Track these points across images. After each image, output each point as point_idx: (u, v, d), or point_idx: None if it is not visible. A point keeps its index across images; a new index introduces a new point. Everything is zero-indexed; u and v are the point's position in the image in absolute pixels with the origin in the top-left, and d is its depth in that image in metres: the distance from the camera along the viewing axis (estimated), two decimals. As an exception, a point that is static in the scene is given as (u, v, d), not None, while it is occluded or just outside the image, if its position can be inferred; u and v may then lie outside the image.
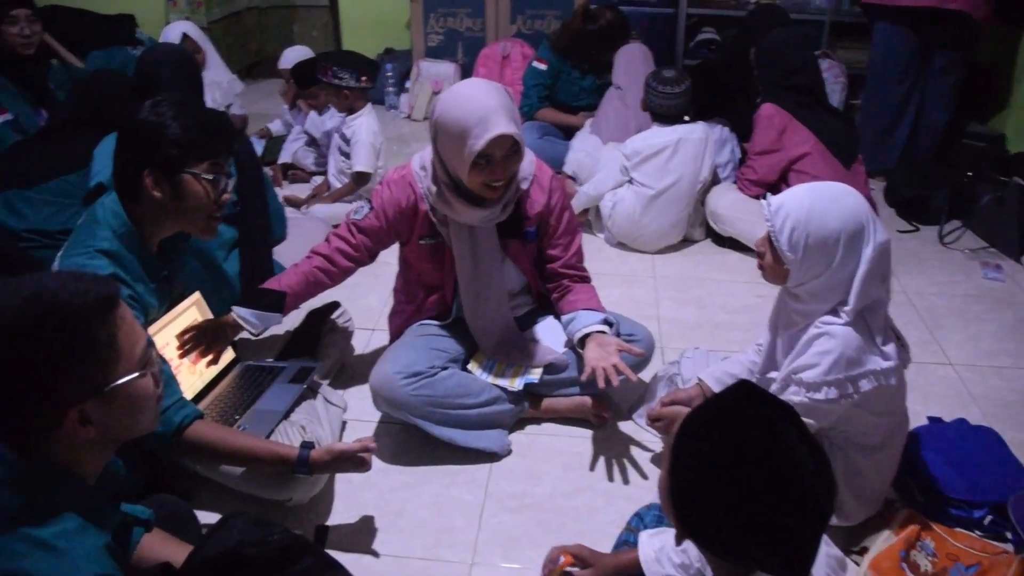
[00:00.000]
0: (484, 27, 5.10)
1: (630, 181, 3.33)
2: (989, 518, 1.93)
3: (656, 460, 2.23)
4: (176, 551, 1.52)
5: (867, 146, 3.80)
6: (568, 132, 4.10)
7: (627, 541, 1.73)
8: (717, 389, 2.13)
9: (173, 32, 4.37)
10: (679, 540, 1.20)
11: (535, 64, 4.18)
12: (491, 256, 2.21)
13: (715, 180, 3.45)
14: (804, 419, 1.72)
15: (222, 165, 1.92)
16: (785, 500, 1.06)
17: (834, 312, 1.71)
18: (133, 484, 1.95)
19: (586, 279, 2.35)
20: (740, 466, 1.07)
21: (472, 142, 1.94)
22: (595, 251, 3.37)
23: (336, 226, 3.42)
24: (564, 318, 2.30)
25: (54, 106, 3.66)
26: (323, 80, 3.62)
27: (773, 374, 1.86)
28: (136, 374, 1.20)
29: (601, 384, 2.08)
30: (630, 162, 3.29)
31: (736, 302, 3.03)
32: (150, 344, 1.82)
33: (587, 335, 2.19)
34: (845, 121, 3.37)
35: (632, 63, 3.73)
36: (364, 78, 3.59)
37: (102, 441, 1.21)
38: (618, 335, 2.25)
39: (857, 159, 3.24)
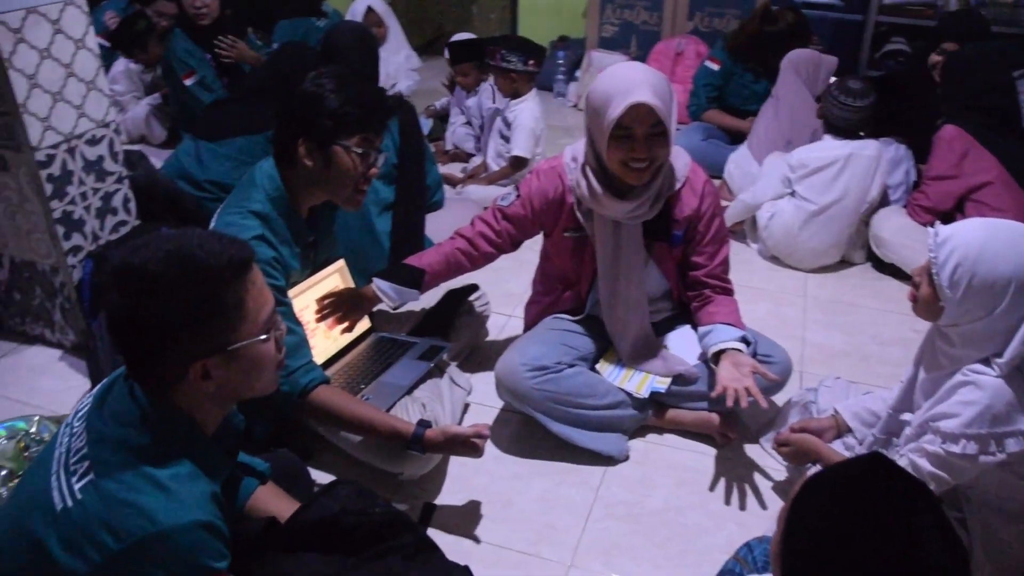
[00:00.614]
0: (660, 21, 4.99)
1: (792, 193, 3.18)
2: None
3: (777, 489, 2.12)
4: (285, 507, 1.59)
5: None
6: (735, 137, 3.97)
7: (732, 570, 1.65)
8: (853, 424, 2.01)
9: (359, 6, 4.55)
10: None
11: (707, 63, 4.06)
12: (634, 255, 2.17)
13: (884, 202, 3.23)
14: (938, 472, 1.60)
15: (373, 141, 1.97)
16: None
17: (986, 362, 1.57)
18: (258, 437, 2.06)
19: (729, 291, 2.26)
20: (865, 555, 0.98)
21: (611, 110, 1.92)
22: (745, 262, 3.25)
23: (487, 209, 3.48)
24: (700, 330, 2.22)
25: (235, 75, 3.94)
26: (491, 63, 3.66)
27: (907, 416, 1.73)
28: (259, 337, 1.25)
29: (730, 404, 2.00)
30: (794, 173, 3.14)
31: (889, 334, 2.84)
32: (284, 307, 1.90)
33: (722, 351, 2.11)
34: (1042, 150, 3.07)
35: (796, 71, 3.53)
36: (531, 62, 3.61)
37: (221, 396, 1.27)
38: (754, 355, 2.16)
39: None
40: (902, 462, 1.96)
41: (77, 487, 1.18)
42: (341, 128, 1.90)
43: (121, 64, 4.50)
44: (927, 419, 1.62)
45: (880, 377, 2.53)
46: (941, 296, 1.58)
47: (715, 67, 4.01)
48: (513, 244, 2.32)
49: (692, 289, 2.27)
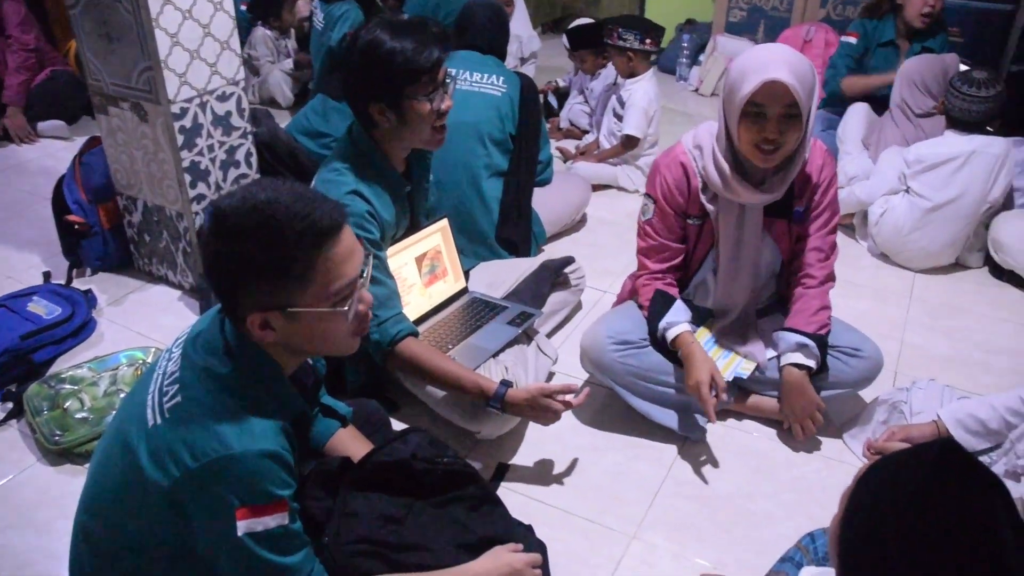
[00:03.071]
0: (791, 7, 4.85)
1: (906, 190, 3.06)
2: None
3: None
4: (362, 450, 1.67)
5: None
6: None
7: (792, 558, 1.65)
8: (956, 433, 1.93)
9: (490, -17, 4.57)
10: None
11: (845, 38, 3.84)
12: (755, 235, 2.14)
13: (1008, 204, 3.07)
14: None
15: (436, 77, 1.96)
16: None
17: None
18: (350, 385, 2.18)
19: (826, 278, 2.19)
20: (935, 551, 0.94)
21: (746, 85, 1.87)
22: (852, 259, 3.16)
23: (596, 186, 3.52)
24: (775, 334, 2.21)
25: None
26: (608, 42, 3.66)
27: None
28: (320, 309, 1.27)
29: (800, 438, 2.13)
30: (910, 169, 3.02)
31: (999, 343, 2.71)
32: (377, 260, 1.97)
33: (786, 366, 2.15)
34: None
35: (913, 84, 3.38)
36: (648, 41, 3.59)
37: (285, 347, 1.32)
38: (823, 357, 2.13)
39: None
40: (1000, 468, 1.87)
41: (167, 407, 1.28)
42: (402, 85, 1.93)
43: (259, 31, 4.75)
44: None
45: (981, 387, 2.43)
46: None
47: (853, 40, 3.81)
48: (682, 240, 2.22)
49: (794, 272, 2.22)
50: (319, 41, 4.11)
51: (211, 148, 2.69)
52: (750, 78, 1.87)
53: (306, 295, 1.25)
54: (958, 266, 3.14)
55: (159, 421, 1.28)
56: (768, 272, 2.26)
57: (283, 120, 3.82)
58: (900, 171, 3.04)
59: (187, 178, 2.65)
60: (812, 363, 2.12)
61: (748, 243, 2.14)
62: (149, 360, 2.37)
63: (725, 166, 2.02)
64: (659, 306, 2.17)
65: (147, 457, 1.26)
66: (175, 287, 2.91)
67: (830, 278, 2.20)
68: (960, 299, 2.96)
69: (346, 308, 1.29)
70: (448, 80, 2.02)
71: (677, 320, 2.14)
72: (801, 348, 2.13)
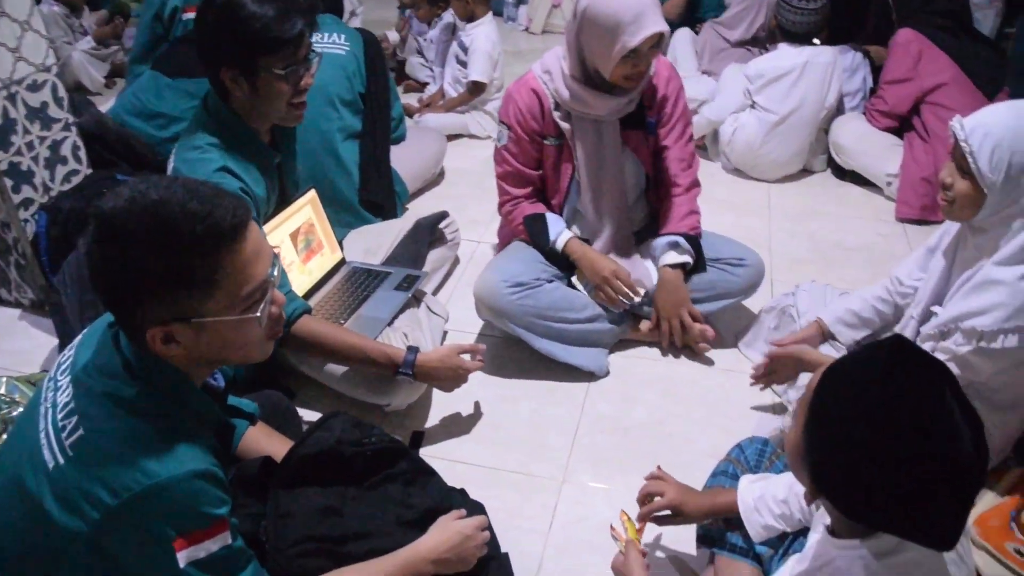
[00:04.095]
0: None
1: (752, 105, 3.18)
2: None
3: (758, 392, 2.15)
4: (277, 446, 1.56)
5: (1017, 75, 3.48)
6: None
7: (726, 471, 1.68)
8: (836, 329, 2.01)
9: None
10: (810, 500, 1.11)
11: None
12: (614, 148, 2.20)
13: (840, 109, 3.25)
14: (960, 373, 1.63)
15: (296, 54, 1.82)
16: (943, 473, 0.97)
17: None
18: (240, 379, 2.03)
19: (692, 184, 2.30)
20: (898, 436, 0.98)
21: (627, 38, 1.94)
22: (709, 176, 3.24)
23: (450, 136, 3.46)
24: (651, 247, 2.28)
25: None
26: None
27: (936, 308, 1.74)
28: (233, 316, 1.13)
29: (665, 344, 2.26)
30: (753, 84, 3.14)
31: (853, 239, 2.89)
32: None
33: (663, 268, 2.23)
34: (993, 49, 3.10)
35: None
36: (486, -17, 3.53)
37: (195, 360, 1.18)
38: (697, 256, 2.24)
39: (1002, 91, 3.00)
40: None
41: (68, 443, 1.12)
42: (257, 53, 1.77)
43: (46, 8, 4.29)
44: (955, 318, 1.62)
45: (845, 280, 2.58)
46: (983, 184, 1.55)
47: None
48: (538, 167, 2.30)
49: (661, 186, 2.30)
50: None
51: (31, 146, 2.41)
52: (629, 29, 1.93)
53: (212, 303, 1.11)
54: (806, 172, 3.32)
55: (61, 460, 1.11)
56: (635, 190, 2.31)
57: (100, 106, 3.48)
58: (744, 87, 3.15)
59: (8, 182, 2.36)
60: (686, 258, 2.20)
61: (608, 157, 2.20)
62: (2, 391, 2.12)
63: (576, 85, 2.11)
64: (536, 228, 2.27)
65: (54, 503, 1.10)
66: (12, 306, 2.61)
67: (695, 184, 2.30)
68: (813, 202, 3.13)
69: (258, 313, 1.16)
70: (312, 56, 1.87)
71: (559, 229, 2.26)
72: (673, 247, 2.21)
